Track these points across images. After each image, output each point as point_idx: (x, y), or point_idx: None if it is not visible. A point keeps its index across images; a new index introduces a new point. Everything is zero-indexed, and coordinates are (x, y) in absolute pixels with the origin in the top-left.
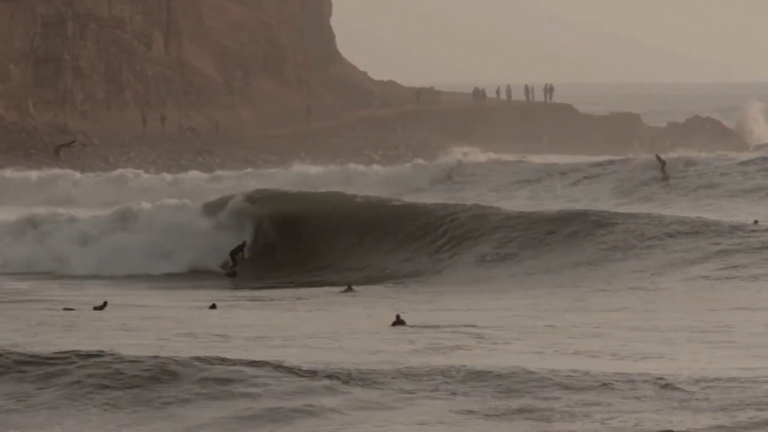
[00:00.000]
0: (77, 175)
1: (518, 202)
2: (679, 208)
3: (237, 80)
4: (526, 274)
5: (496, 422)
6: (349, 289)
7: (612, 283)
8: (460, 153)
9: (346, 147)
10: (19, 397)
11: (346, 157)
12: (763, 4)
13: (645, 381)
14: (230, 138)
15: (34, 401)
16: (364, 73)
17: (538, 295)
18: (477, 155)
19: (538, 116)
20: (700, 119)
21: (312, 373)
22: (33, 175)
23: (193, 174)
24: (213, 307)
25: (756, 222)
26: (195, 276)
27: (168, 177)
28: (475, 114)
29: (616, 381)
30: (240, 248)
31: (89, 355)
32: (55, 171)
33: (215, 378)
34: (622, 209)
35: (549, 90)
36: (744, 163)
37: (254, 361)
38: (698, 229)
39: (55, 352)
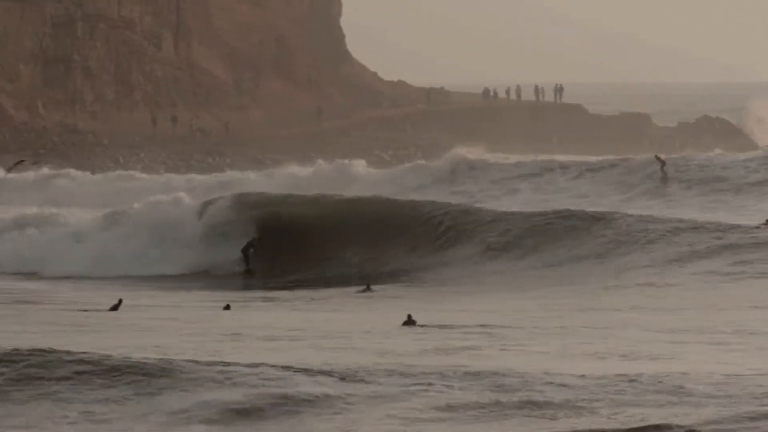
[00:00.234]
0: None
1: (522, 197)
2: (685, 204)
3: (246, 81)
4: (534, 272)
5: (499, 420)
6: (368, 288)
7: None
8: (465, 152)
9: (356, 147)
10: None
11: (356, 157)
12: (765, 3)
13: (652, 379)
14: (240, 139)
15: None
16: (374, 74)
17: (547, 295)
18: (481, 154)
19: (547, 116)
20: (710, 119)
21: (307, 372)
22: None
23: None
24: (227, 308)
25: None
26: (191, 277)
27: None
28: (484, 114)
29: (622, 380)
30: (250, 245)
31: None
32: (46, 171)
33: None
34: (625, 207)
35: (559, 90)
36: (748, 160)
37: (255, 364)
38: (703, 227)
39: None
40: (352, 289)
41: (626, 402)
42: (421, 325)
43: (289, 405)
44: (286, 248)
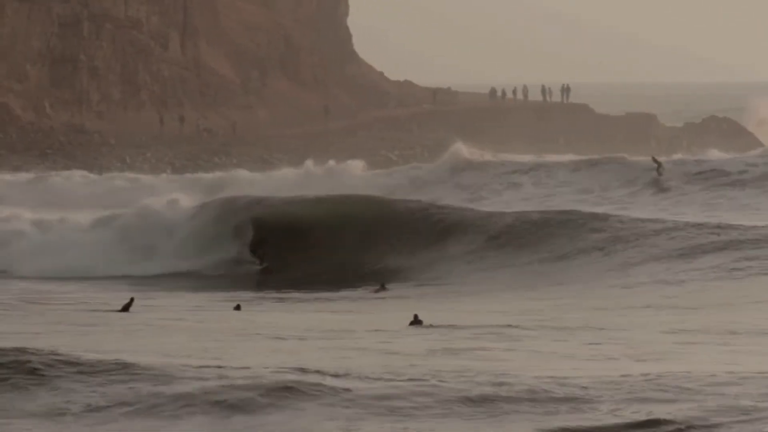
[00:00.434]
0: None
1: (520, 195)
2: (679, 203)
3: (253, 80)
4: (539, 271)
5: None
6: (382, 288)
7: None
8: (465, 152)
9: (362, 147)
10: None
11: (362, 157)
12: (765, 3)
13: (658, 378)
14: (247, 138)
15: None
16: (381, 73)
17: (552, 295)
18: (480, 155)
19: (554, 116)
20: (717, 119)
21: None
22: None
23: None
24: (237, 308)
25: None
26: (188, 278)
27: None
28: (491, 114)
29: (626, 380)
30: (258, 243)
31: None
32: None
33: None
34: (622, 206)
35: (566, 90)
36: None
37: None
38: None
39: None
40: (357, 290)
41: (628, 399)
42: (428, 325)
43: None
44: (285, 249)
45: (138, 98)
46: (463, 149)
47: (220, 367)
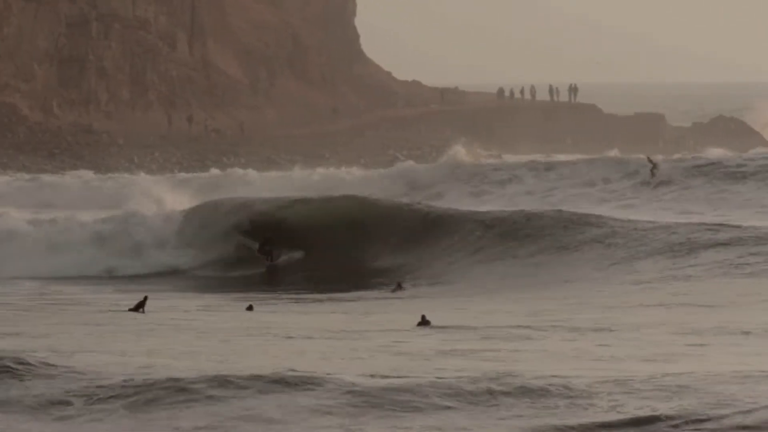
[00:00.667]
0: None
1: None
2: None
3: (261, 80)
4: (544, 272)
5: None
6: (399, 287)
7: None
8: (462, 153)
9: (370, 147)
10: None
11: (369, 157)
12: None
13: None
14: (255, 138)
15: None
16: (389, 73)
17: (566, 295)
18: (477, 156)
19: (561, 116)
20: (725, 119)
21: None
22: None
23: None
24: (250, 308)
25: None
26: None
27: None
28: (499, 114)
29: (630, 380)
30: (265, 242)
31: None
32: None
33: None
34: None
35: (573, 90)
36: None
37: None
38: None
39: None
40: (367, 291)
41: (630, 398)
42: (436, 326)
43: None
44: (287, 249)
45: (146, 98)
46: (461, 151)
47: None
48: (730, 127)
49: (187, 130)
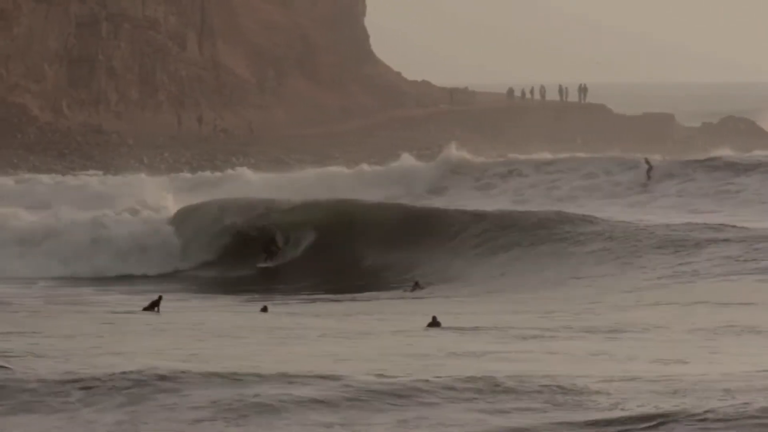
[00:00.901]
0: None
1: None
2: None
3: (270, 80)
4: (562, 272)
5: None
6: (417, 286)
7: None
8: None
9: (379, 147)
10: None
11: (379, 157)
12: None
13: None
14: (264, 138)
15: None
16: (398, 73)
17: (575, 295)
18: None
19: (571, 116)
20: (734, 119)
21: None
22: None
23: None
24: (264, 310)
25: None
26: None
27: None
28: (508, 114)
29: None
30: (271, 242)
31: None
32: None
33: None
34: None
35: (583, 90)
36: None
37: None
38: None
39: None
40: (378, 292)
41: (635, 397)
42: (447, 328)
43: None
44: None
45: (156, 98)
46: (453, 151)
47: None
48: (739, 128)
49: (196, 131)
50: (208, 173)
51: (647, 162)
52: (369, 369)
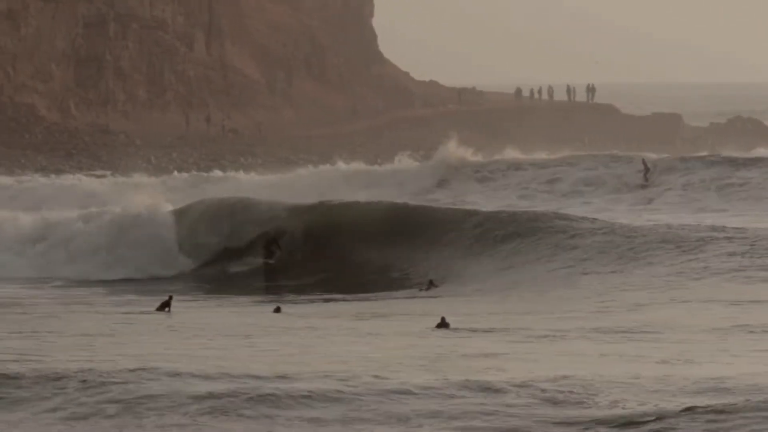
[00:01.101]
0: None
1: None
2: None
3: (279, 81)
4: (571, 272)
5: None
6: (431, 284)
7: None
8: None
9: (387, 147)
10: None
11: (387, 157)
12: None
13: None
14: (272, 139)
15: None
16: (406, 74)
17: (587, 296)
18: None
19: (579, 116)
20: (742, 119)
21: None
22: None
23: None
24: (277, 310)
25: None
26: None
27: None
28: (516, 114)
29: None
30: (273, 241)
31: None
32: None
33: None
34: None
35: (591, 90)
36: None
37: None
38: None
39: None
40: (382, 292)
41: (637, 397)
42: (455, 328)
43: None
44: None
45: (163, 98)
46: (449, 151)
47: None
48: (747, 128)
49: (204, 131)
50: (203, 174)
51: (644, 164)
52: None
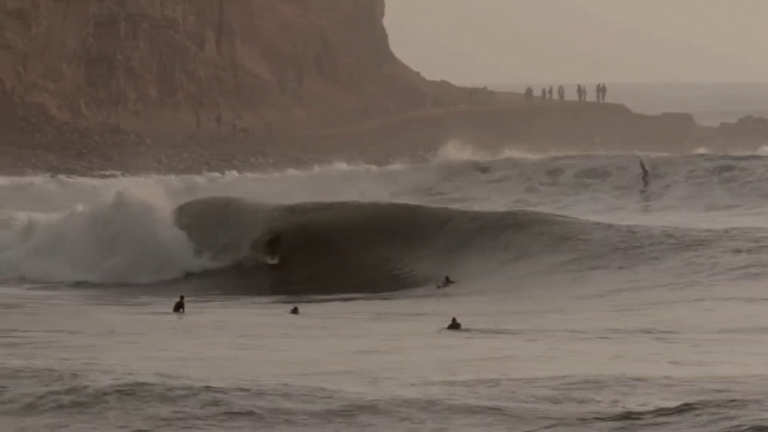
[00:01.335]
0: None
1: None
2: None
3: (289, 81)
4: (579, 270)
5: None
6: (447, 281)
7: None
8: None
9: (398, 147)
10: None
11: (398, 157)
12: None
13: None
14: (283, 139)
15: None
16: (417, 73)
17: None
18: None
19: (590, 116)
20: (753, 119)
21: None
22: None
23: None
24: (294, 311)
25: None
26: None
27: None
28: (527, 114)
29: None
30: (273, 241)
31: None
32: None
33: None
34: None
35: (602, 90)
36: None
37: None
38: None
39: None
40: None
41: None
42: (466, 329)
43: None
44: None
45: (174, 98)
46: (450, 151)
47: None
48: (758, 128)
49: (215, 130)
50: (198, 176)
51: (642, 167)
52: None
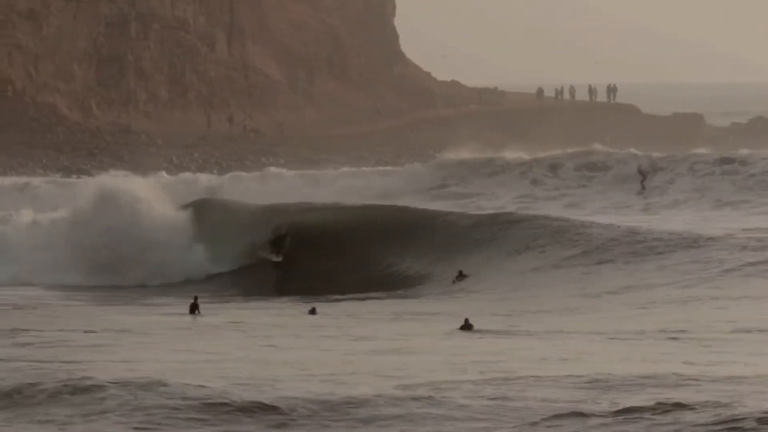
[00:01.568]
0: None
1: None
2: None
3: (300, 81)
4: (584, 269)
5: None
6: (461, 275)
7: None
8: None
9: (409, 147)
10: None
11: (408, 157)
12: None
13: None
14: (294, 138)
15: None
16: (428, 74)
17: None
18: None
19: (601, 116)
20: (764, 120)
21: None
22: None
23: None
24: (312, 312)
25: None
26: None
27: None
28: (537, 114)
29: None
30: (278, 239)
31: None
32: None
33: None
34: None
35: (612, 90)
36: None
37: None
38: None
39: None
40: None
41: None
42: (478, 330)
43: None
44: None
45: (185, 98)
46: (449, 155)
47: None
48: None
49: (226, 131)
50: (190, 174)
51: (640, 172)
52: None
